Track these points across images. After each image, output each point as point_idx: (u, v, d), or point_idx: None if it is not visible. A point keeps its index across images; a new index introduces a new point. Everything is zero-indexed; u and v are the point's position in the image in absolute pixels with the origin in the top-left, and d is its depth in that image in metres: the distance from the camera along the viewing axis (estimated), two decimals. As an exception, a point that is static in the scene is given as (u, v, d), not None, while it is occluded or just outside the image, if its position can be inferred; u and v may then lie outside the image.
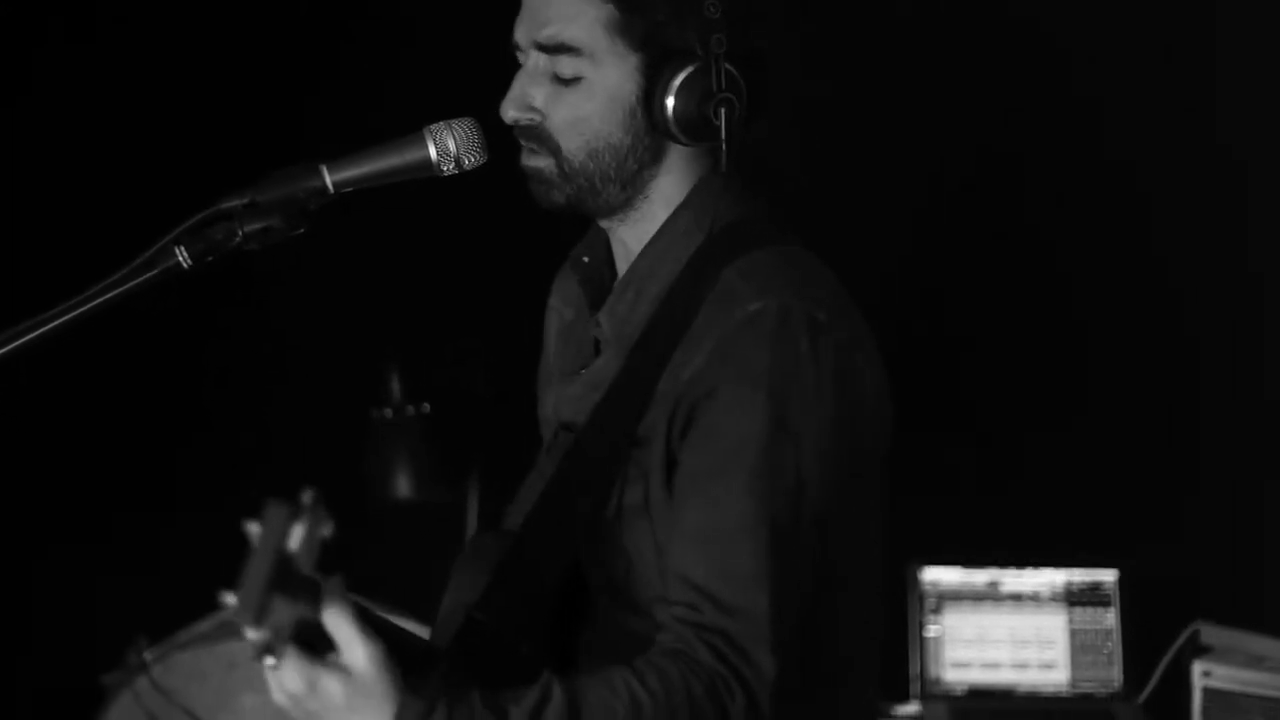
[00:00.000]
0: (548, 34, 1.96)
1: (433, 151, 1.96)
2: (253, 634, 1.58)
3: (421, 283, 3.61)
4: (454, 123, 1.97)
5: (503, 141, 2.02)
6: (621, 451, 1.93)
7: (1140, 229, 3.79)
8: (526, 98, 1.99)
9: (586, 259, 2.15)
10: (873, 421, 1.96)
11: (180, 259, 1.90)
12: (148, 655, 3.37)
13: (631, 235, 2.05)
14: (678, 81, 1.93)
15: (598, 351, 2.08)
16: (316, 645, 1.66)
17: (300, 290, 3.48)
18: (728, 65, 1.93)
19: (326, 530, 1.61)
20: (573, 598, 1.98)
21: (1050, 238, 3.80)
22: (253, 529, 1.60)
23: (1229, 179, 3.71)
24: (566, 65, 1.96)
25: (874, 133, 3.72)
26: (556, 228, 3.34)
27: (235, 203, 1.92)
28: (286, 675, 1.65)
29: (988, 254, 3.80)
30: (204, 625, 3.47)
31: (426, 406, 3.19)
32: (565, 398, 2.08)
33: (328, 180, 1.94)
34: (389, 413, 3.19)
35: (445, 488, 3.29)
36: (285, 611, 1.58)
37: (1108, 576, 3.69)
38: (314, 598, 1.63)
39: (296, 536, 1.59)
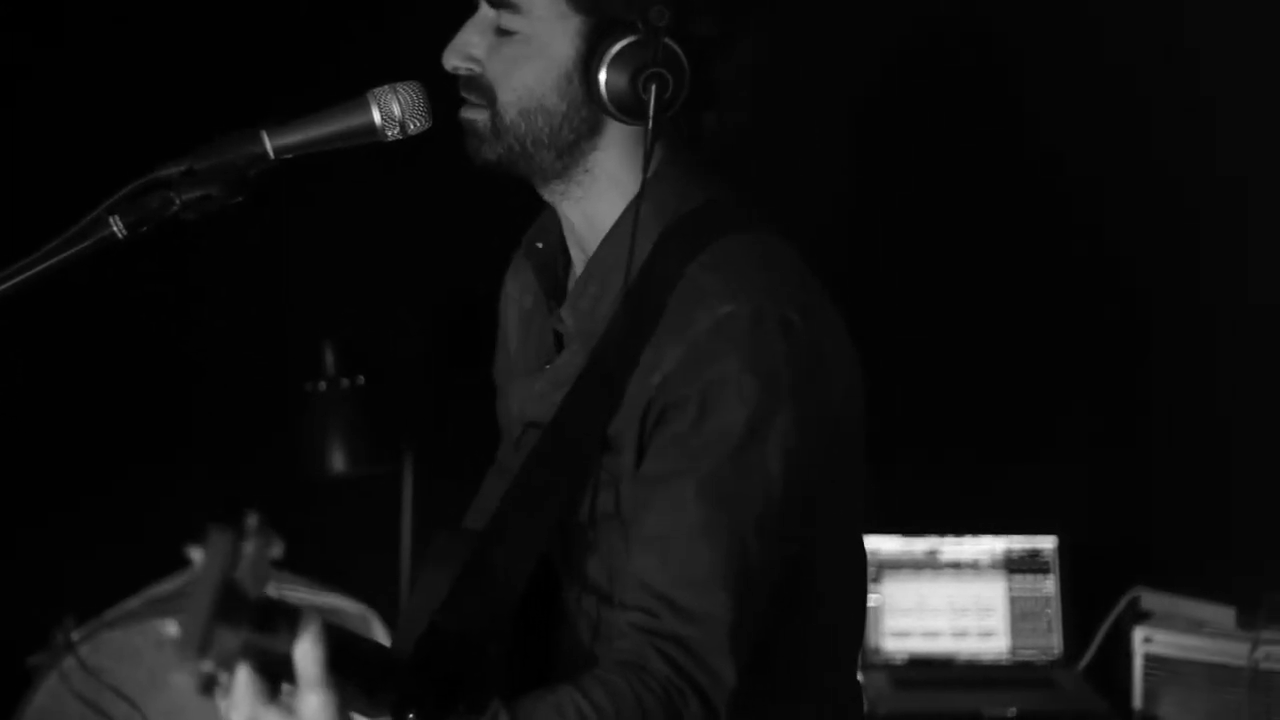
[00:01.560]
0: None
1: (377, 116, 1.89)
2: (195, 666, 1.51)
3: (356, 254, 3.55)
4: (398, 86, 1.90)
5: (445, 108, 1.96)
6: (591, 455, 1.88)
7: (1092, 199, 3.79)
8: (467, 46, 1.94)
9: (540, 245, 2.09)
10: (846, 414, 1.91)
11: (115, 229, 1.83)
12: (75, 635, 3.30)
13: (577, 213, 1.99)
14: (613, 51, 1.87)
15: (559, 345, 2.02)
16: (280, 675, 1.60)
17: (233, 263, 3.41)
18: (669, 42, 1.86)
19: (275, 551, 1.56)
20: (543, 601, 1.93)
21: (992, 209, 3.79)
22: (196, 556, 1.53)
23: (1202, 143, 3.71)
24: (508, 19, 1.91)
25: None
26: (494, 200, 3.31)
27: (172, 170, 1.85)
28: (233, 705, 1.59)
29: (930, 222, 3.77)
30: (132, 603, 3.40)
31: (361, 379, 3.12)
32: (530, 395, 2.02)
33: (268, 146, 1.87)
34: (323, 385, 3.12)
35: (380, 461, 3.22)
36: (230, 641, 1.52)
37: (1046, 544, 3.69)
38: (290, 627, 1.57)
39: (243, 562, 1.52)
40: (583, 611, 1.93)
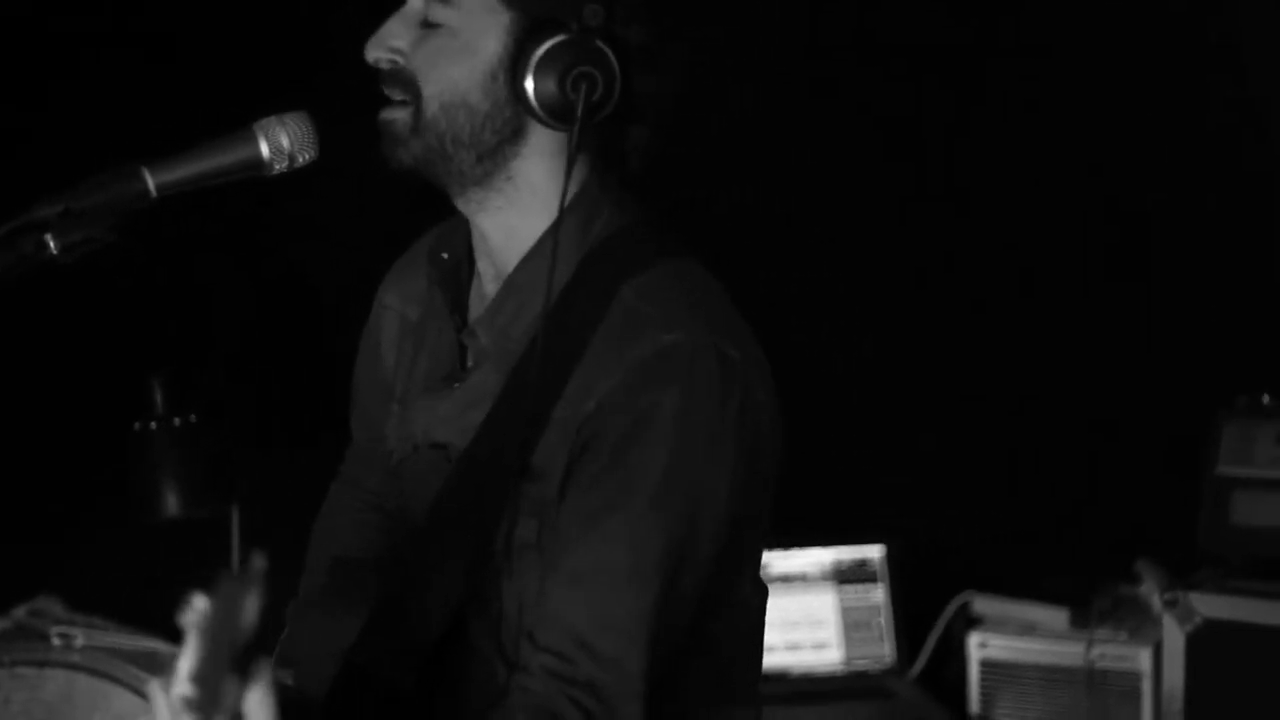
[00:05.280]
0: None
1: (265, 149, 1.79)
2: None
3: (184, 289, 3.43)
4: (286, 117, 1.80)
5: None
6: (511, 482, 1.81)
7: (912, 201, 3.83)
8: (391, 38, 1.85)
9: (445, 255, 1.99)
10: (770, 452, 1.87)
11: (-16, 276, 1.71)
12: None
13: (495, 225, 1.91)
14: (542, 50, 1.80)
15: (463, 362, 1.94)
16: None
17: (55, 298, 3.25)
18: (599, 43, 1.80)
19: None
20: (453, 634, 1.86)
21: (817, 212, 3.80)
22: (201, 605, 1.42)
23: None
24: (436, 11, 1.83)
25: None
26: (326, 232, 3.21)
27: (48, 211, 1.73)
28: None
29: (752, 227, 3.76)
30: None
31: (192, 417, 2.97)
32: (437, 415, 1.93)
33: (150, 183, 1.76)
34: (153, 424, 2.97)
35: (214, 502, 3.08)
36: (235, 693, 1.43)
37: (874, 553, 3.70)
38: (242, 674, 1.48)
39: (250, 608, 1.42)
40: (495, 645, 1.86)
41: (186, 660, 1.36)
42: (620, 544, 1.76)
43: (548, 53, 1.80)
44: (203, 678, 1.37)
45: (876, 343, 3.84)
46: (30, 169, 2.90)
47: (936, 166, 3.85)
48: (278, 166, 1.81)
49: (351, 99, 1.90)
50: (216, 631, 1.38)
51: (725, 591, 1.88)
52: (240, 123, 1.79)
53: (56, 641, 3.10)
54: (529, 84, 1.80)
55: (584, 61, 1.79)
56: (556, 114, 1.81)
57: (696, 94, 1.93)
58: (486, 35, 1.82)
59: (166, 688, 1.37)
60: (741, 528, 1.84)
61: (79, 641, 3.12)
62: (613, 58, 1.80)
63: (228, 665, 1.39)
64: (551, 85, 1.79)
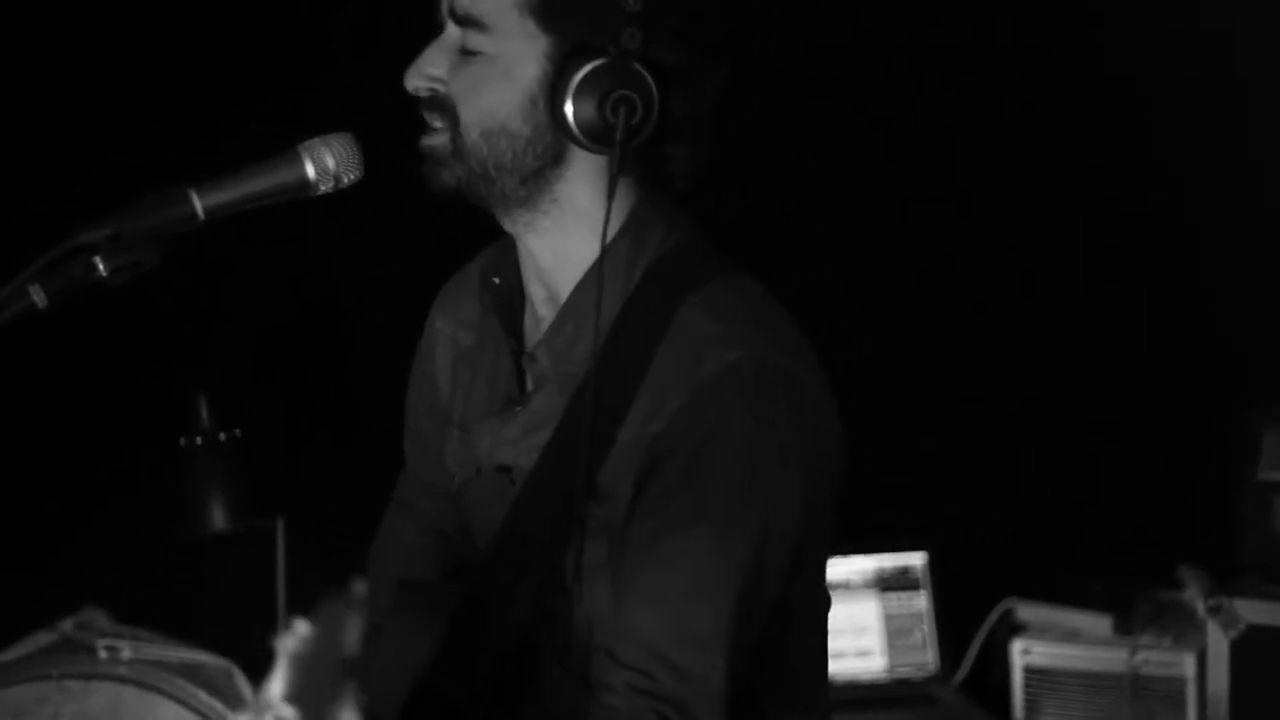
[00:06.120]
0: (461, 4, 1.85)
1: (311, 170, 1.81)
2: None
3: (229, 305, 3.44)
4: (330, 138, 1.82)
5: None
6: (578, 503, 1.82)
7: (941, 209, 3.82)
8: (429, 66, 1.87)
9: (497, 280, 2.00)
10: (834, 468, 1.89)
11: (36, 300, 1.73)
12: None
13: (543, 247, 1.91)
14: (581, 74, 1.80)
15: (522, 385, 1.95)
16: None
17: (102, 314, 3.27)
18: (638, 66, 1.80)
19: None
20: (526, 653, 1.88)
21: (854, 217, 3.80)
22: (301, 631, 1.42)
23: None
24: (474, 38, 1.84)
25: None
26: (360, 250, 3.21)
27: (97, 235, 1.74)
28: None
29: (797, 229, 3.77)
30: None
31: (238, 432, 3.00)
32: (501, 438, 1.94)
33: (198, 206, 1.77)
34: (199, 440, 3.00)
35: (258, 516, 3.11)
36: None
37: (916, 560, 3.70)
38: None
39: (352, 634, 1.43)
40: (565, 664, 1.88)
41: (278, 685, 1.36)
42: (694, 560, 1.78)
43: (586, 77, 1.80)
44: (303, 703, 1.38)
45: (876, 344, 3.82)
46: (31, 169, 2.94)
47: (936, 166, 3.83)
48: (323, 187, 1.82)
49: (350, 100, 1.91)
50: (318, 657, 1.39)
51: (792, 601, 1.89)
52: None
53: (103, 654, 3.15)
54: (568, 108, 1.81)
55: (622, 85, 1.80)
56: (596, 137, 1.81)
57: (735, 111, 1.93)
58: (525, 61, 1.83)
59: (257, 712, 1.37)
60: (808, 537, 1.85)
61: (126, 654, 3.16)
62: (651, 80, 1.81)
63: (329, 691, 1.39)
64: (590, 109, 1.80)
